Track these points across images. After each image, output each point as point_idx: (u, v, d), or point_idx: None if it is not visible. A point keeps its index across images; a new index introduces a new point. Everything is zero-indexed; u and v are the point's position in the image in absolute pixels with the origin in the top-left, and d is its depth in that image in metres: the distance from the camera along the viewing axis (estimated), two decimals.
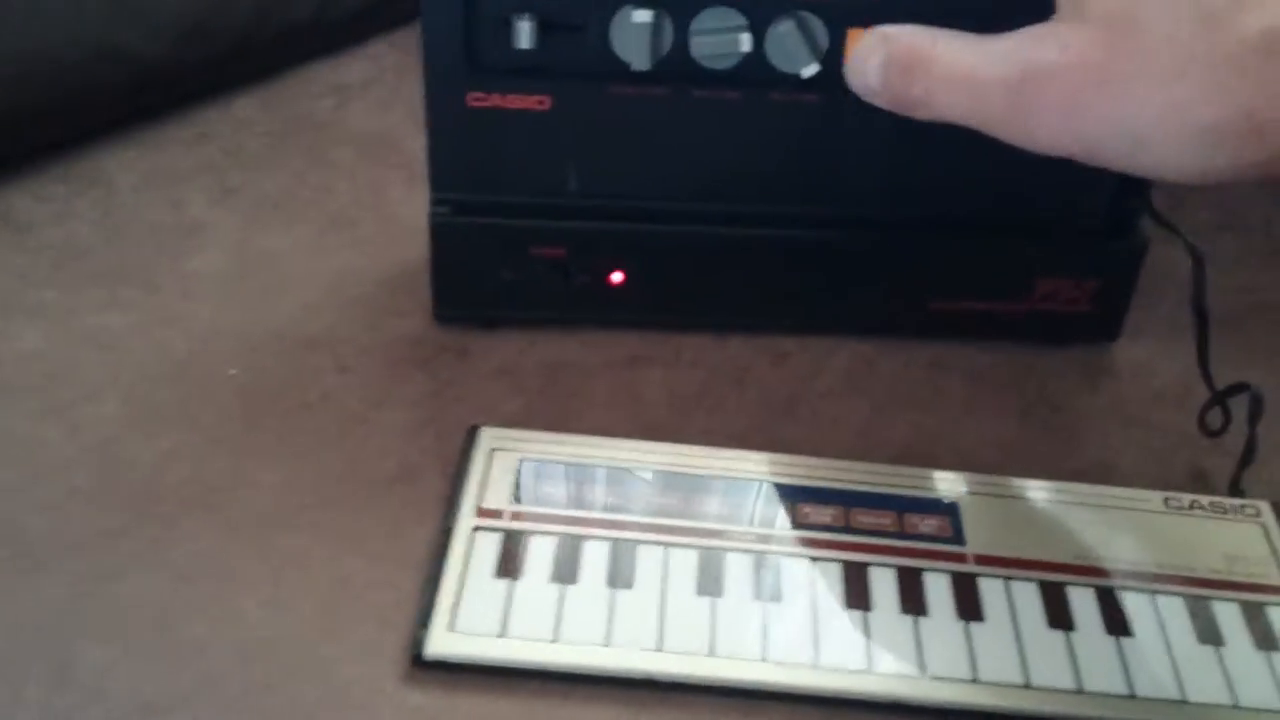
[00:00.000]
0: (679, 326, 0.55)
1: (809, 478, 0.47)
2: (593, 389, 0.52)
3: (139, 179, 0.63)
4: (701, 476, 0.47)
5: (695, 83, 0.49)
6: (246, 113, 0.67)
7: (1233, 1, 0.33)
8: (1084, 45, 0.35)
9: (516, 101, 0.49)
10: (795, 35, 0.48)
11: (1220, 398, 0.50)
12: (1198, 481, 0.50)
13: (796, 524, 0.45)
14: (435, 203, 0.52)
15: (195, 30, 0.64)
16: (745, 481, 0.47)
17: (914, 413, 0.53)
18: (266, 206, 0.61)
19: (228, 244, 0.59)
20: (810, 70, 0.49)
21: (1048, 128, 0.37)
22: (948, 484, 0.47)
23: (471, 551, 0.43)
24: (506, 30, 0.48)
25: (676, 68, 0.49)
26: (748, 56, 0.48)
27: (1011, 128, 0.38)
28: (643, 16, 0.47)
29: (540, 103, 0.50)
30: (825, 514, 0.46)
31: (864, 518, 0.46)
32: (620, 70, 0.49)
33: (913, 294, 0.55)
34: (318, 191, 0.62)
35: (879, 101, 0.42)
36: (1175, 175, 0.35)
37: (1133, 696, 0.40)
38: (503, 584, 0.42)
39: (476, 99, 0.49)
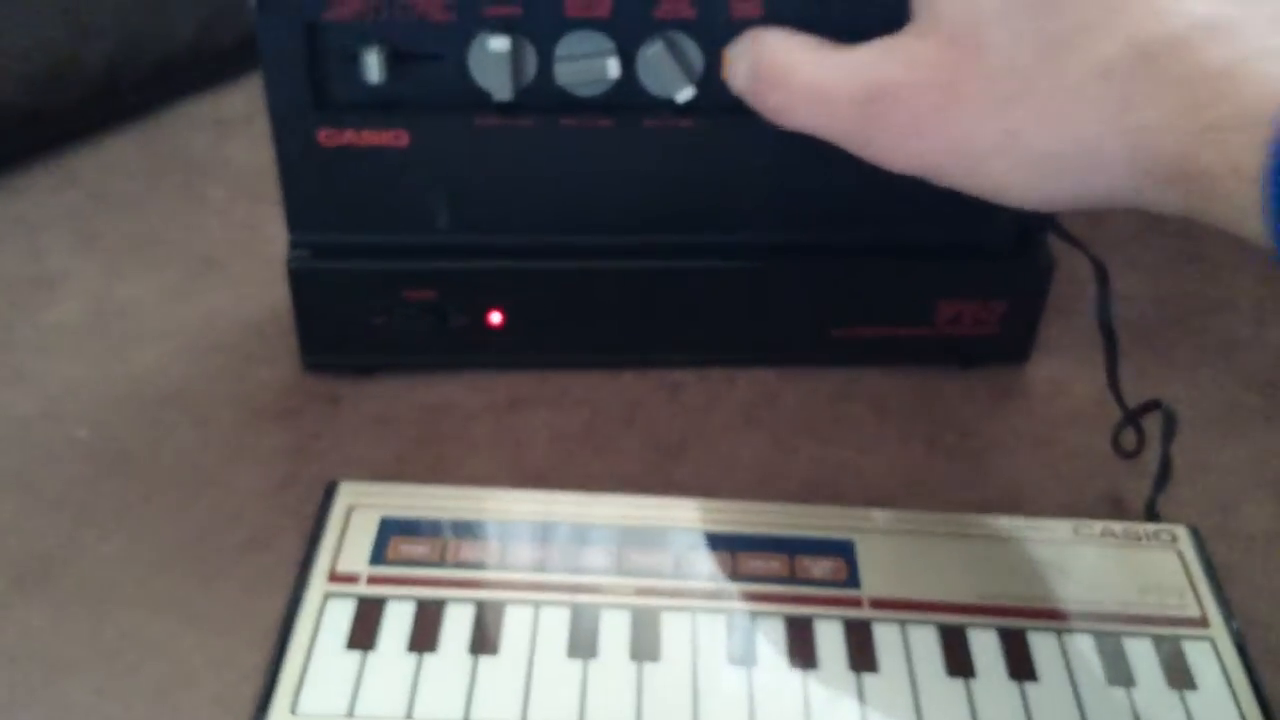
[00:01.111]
0: (565, 365, 0.52)
1: (696, 522, 0.44)
2: (472, 435, 0.49)
3: None
4: (578, 526, 0.43)
5: (564, 111, 0.46)
6: (117, 153, 0.64)
7: (1076, 28, 0.31)
8: (929, 65, 0.33)
9: (372, 138, 0.46)
10: (666, 58, 0.45)
11: (1133, 417, 0.48)
12: (1113, 506, 0.48)
13: (679, 574, 0.42)
14: (294, 246, 0.48)
15: (55, 72, 0.60)
16: (626, 529, 0.43)
17: (816, 445, 0.50)
18: (132, 251, 0.57)
19: (87, 293, 0.55)
20: (685, 94, 0.46)
21: (893, 147, 0.35)
22: (844, 521, 0.44)
23: (321, 622, 0.39)
24: (355, 64, 0.45)
25: (542, 97, 0.46)
26: (618, 82, 0.46)
27: (860, 144, 0.36)
28: (500, 44, 0.44)
29: (397, 138, 0.46)
30: (711, 562, 0.42)
31: (753, 563, 0.42)
32: (482, 101, 0.46)
33: (812, 321, 0.52)
34: (188, 232, 0.59)
35: (749, 104, 0.40)
36: (1018, 201, 0.33)
37: None
38: (355, 656, 0.38)
39: (328, 136, 0.46)
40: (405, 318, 0.49)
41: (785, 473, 0.48)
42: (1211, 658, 0.40)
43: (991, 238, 0.51)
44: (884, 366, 0.53)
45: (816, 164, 0.48)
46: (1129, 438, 0.48)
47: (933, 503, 0.46)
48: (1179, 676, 0.40)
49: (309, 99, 0.45)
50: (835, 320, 0.51)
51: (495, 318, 0.50)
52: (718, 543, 0.43)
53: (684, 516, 0.44)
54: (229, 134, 0.66)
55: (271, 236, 0.58)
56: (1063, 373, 0.54)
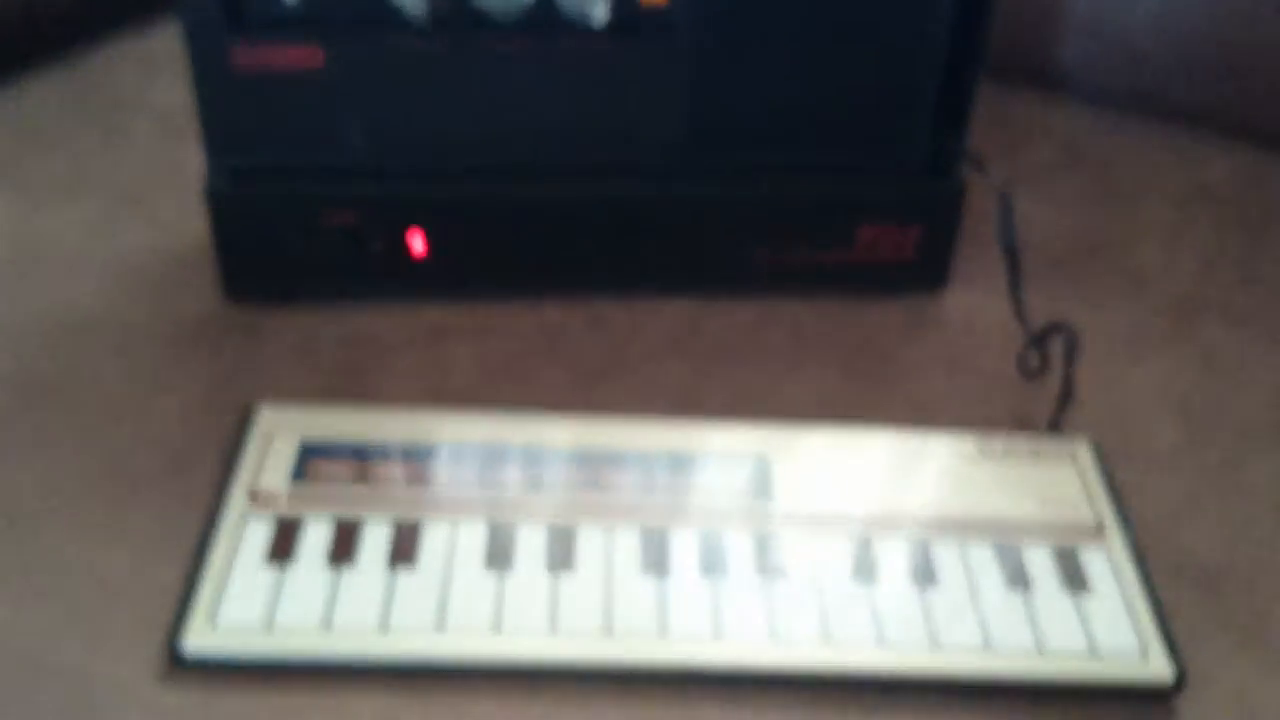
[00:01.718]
0: (489, 295, 0.53)
1: (610, 442, 0.45)
2: (395, 365, 0.50)
3: None
4: (495, 446, 0.44)
5: (480, 33, 0.47)
6: (40, 89, 0.63)
7: None
8: None
9: (287, 57, 0.46)
10: None
11: (1037, 339, 0.49)
12: (1020, 425, 0.49)
13: (596, 489, 0.43)
14: (212, 170, 0.48)
15: None
16: (543, 448, 0.44)
17: (737, 370, 0.51)
18: (54, 188, 0.57)
19: (7, 229, 0.54)
20: (601, 15, 0.46)
21: None
22: (756, 438, 0.45)
23: (240, 540, 0.40)
24: None
25: (460, 18, 0.46)
26: (534, 4, 0.46)
27: None
28: None
29: (313, 58, 0.46)
30: (629, 478, 0.43)
31: (669, 480, 0.43)
32: (397, 21, 0.46)
33: (735, 246, 0.53)
34: (110, 168, 0.58)
35: None
36: None
37: (935, 646, 0.39)
38: (273, 572, 0.39)
39: (243, 55, 0.46)
40: (324, 243, 0.50)
41: (705, 398, 0.49)
42: (1106, 564, 0.42)
43: (906, 158, 0.52)
44: (806, 296, 0.54)
45: (733, 86, 0.49)
46: (1033, 359, 0.49)
47: (846, 423, 0.47)
48: (1074, 581, 0.41)
49: (223, 16, 0.45)
50: (758, 245, 0.52)
51: (416, 244, 0.50)
52: (633, 459, 0.44)
53: (602, 436, 0.45)
54: (153, 71, 0.66)
55: (194, 172, 0.57)
56: (976, 301, 0.55)
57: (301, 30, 0.46)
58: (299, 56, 0.46)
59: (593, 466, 0.44)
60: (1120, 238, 0.60)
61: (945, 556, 0.41)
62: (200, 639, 0.37)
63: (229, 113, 0.47)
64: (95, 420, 0.46)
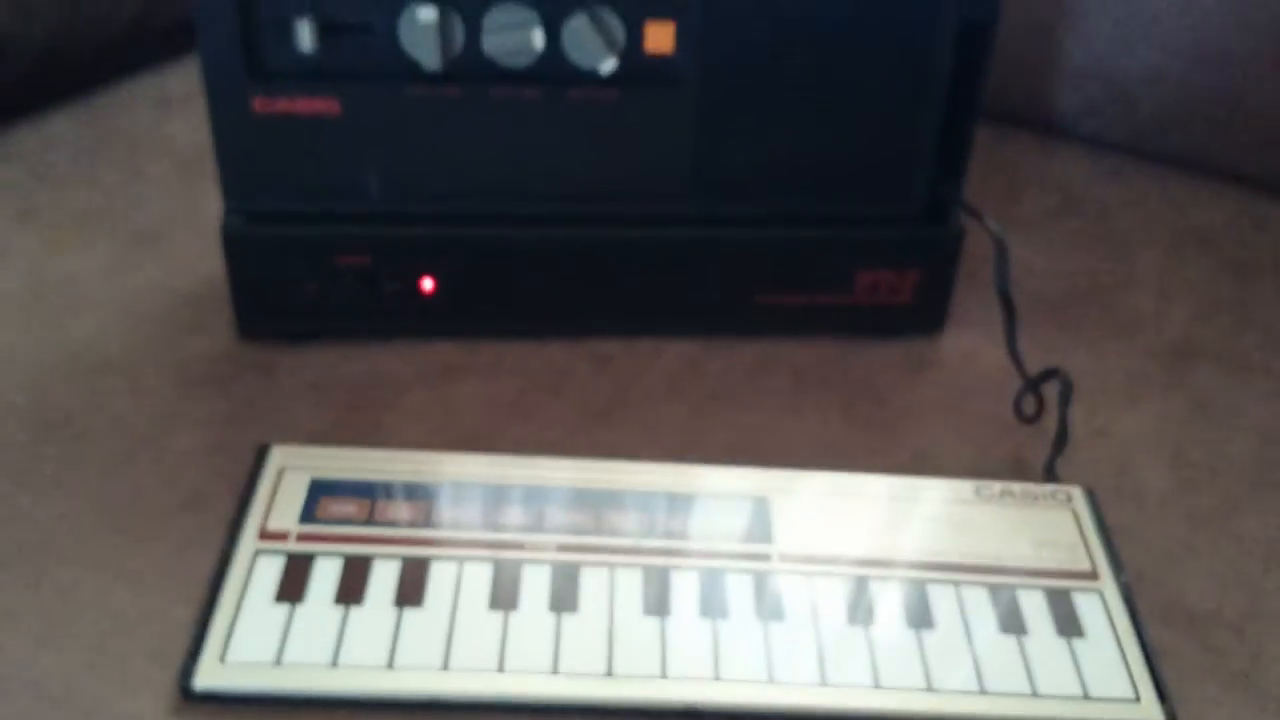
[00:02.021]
0: (497, 334, 0.54)
1: (613, 484, 0.46)
2: (405, 403, 0.51)
3: None
4: (502, 486, 0.45)
5: (491, 82, 0.48)
6: (58, 129, 0.65)
7: None
8: None
9: (305, 106, 0.48)
10: (589, 30, 0.47)
11: (1033, 384, 0.50)
12: (1016, 469, 0.50)
13: (599, 531, 0.44)
14: (228, 212, 0.50)
15: None
16: (547, 489, 0.45)
17: (736, 412, 0.52)
18: (71, 225, 0.58)
19: (26, 266, 0.56)
20: (608, 66, 0.48)
21: None
22: (756, 482, 0.46)
23: (251, 576, 0.41)
24: (287, 32, 0.46)
25: (470, 67, 0.47)
26: (543, 54, 0.47)
27: None
28: (428, 15, 0.46)
29: (329, 106, 0.48)
30: (631, 520, 0.44)
31: (669, 522, 0.44)
32: (411, 71, 0.47)
33: (736, 290, 0.54)
34: (127, 207, 0.60)
35: None
36: None
37: (930, 689, 0.39)
38: (283, 609, 0.40)
39: (262, 104, 0.47)
40: (338, 284, 0.51)
41: (706, 439, 0.50)
42: (1099, 609, 0.43)
43: (905, 206, 0.53)
44: (805, 337, 0.55)
45: (736, 133, 0.50)
46: (1029, 404, 0.50)
47: (846, 466, 0.48)
48: (1068, 625, 0.42)
49: (243, 67, 0.46)
50: (759, 288, 0.54)
51: (427, 284, 0.52)
52: (636, 501, 0.45)
53: (606, 478, 0.46)
54: (170, 112, 0.67)
55: (210, 213, 0.59)
56: (973, 345, 0.56)
57: (319, 79, 0.47)
58: (316, 105, 0.47)
59: (595, 508, 0.45)
60: (1115, 283, 0.61)
61: (941, 599, 0.42)
62: (211, 675, 0.38)
63: (246, 158, 0.48)
64: (110, 457, 0.47)
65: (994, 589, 0.43)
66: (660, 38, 0.48)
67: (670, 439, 0.50)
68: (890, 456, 0.50)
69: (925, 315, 0.55)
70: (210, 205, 0.60)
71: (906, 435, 0.51)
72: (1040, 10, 0.67)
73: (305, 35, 0.46)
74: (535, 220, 0.51)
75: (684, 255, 0.53)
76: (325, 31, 0.46)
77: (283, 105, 0.48)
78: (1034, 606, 0.43)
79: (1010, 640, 0.41)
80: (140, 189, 0.61)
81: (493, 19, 0.47)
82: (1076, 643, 0.41)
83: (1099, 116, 0.69)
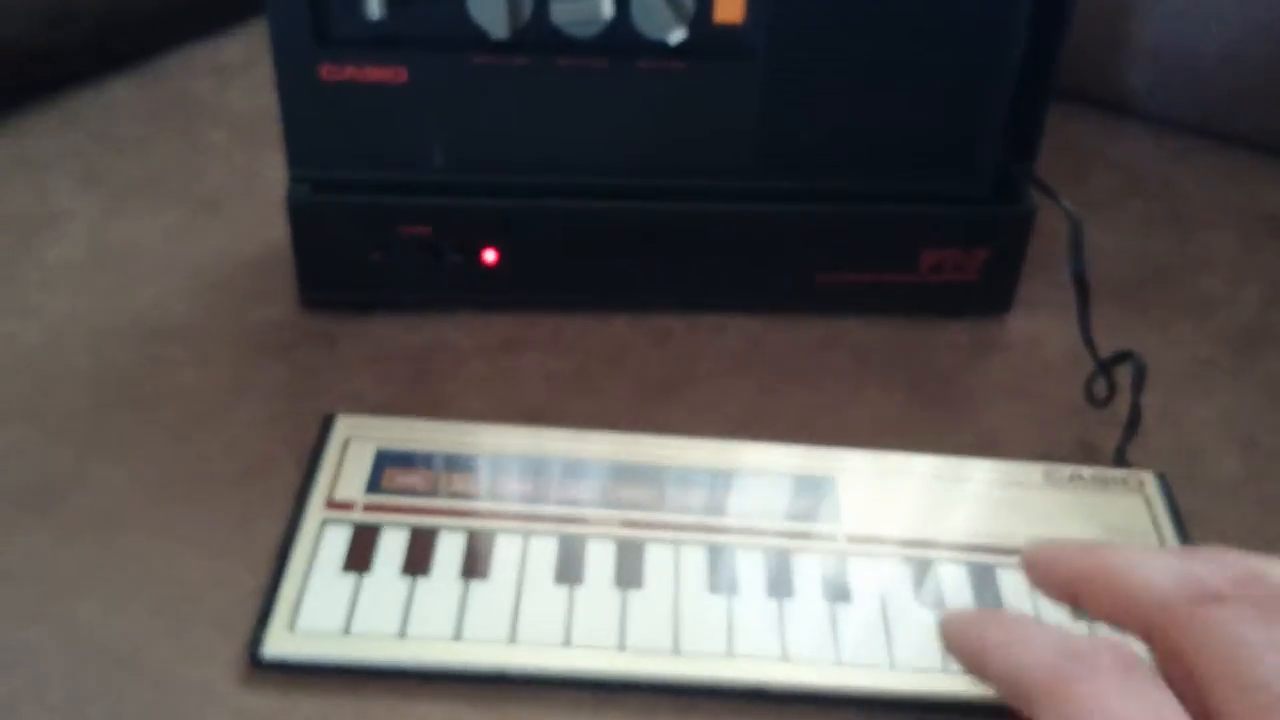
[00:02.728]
0: (558, 307, 0.54)
1: (681, 459, 0.45)
2: (466, 374, 0.50)
3: (2, 167, 0.60)
4: (567, 461, 0.45)
5: (558, 51, 0.47)
6: (120, 95, 0.65)
7: None
8: None
9: (371, 74, 0.47)
10: (659, 0, 0.46)
11: (1104, 367, 0.49)
12: (1086, 453, 0.49)
13: (664, 507, 0.43)
14: (294, 181, 0.50)
15: (54, 13, 0.61)
16: (612, 465, 0.45)
17: (800, 391, 0.51)
18: (133, 192, 0.58)
19: (89, 232, 0.56)
20: (677, 36, 0.47)
21: None
22: (825, 461, 0.46)
23: (319, 546, 0.41)
24: (356, 0, 0.46)
25: (537, 36, 0.47)
26: (611, 23, 0.47)
27: None
28: None
29: (396, 75, 0.47)
30: (695, 497, 0.44)
31: (734, 500, 0.44)
32: (478, 40, 0.47)
33: (800, 266, 0.53)
34: (189, 175, 0.60)
35: None
36: None
37: None
38: (350, 579, 0.40)
39: (329, 72, 0.47)
40: (401, 254, 0.51)
41: (769, 416, 0.50)
42: None
43: (973, 185, 0.52)
44: (869, 315, 0.55)
45: (803, 107, 0.49)
46: (1101, 387, 0.49)
47: (911, 447, 0.48)
48: None
49: (311, 34, 0.46)
50: (822, 265, 0.53)
51: (489, 256, 0.51)
52: (700, 478, 0.45)
53: (669, 454, 0.45)
54: (229, 79, 0.67)
55: (271, 180, 0.59)
56: (1041, 326, 0.55)
57: (386, 47, 0.47)
58: (383, 73, 0.47)
59: (659, 484, 0.44)
60: (1184, 265, 0.60)
61: (1009, 584, 0.42)
62: (280, 643, 0.38)
63: (312, 126, 0.48)
64: (176, 425, 0.47)
65: None
66: (730, 7, 0.47)
67: (733, 417, 0.50)
68: (956, 437, 0.49)
69: (992, 295, 0.54)
70: (270, 173, 0.60)
71: (972, 416, 0.50)
72: None
73: (374, 2, 0.45)
74: (599, 193, 0.50)
75: (748, 230, 0.52)
76: None
77: (350, 73, 0.47)
78: None
79: (1082, 626, 0.41)
80: (201, 156, 0.61)
81: None
82: None
83: (1168, 95, 0.68)
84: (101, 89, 0.65)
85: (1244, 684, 0.26)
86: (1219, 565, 0.28)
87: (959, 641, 0.31)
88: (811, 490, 0.45)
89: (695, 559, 0.42)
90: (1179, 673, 0.27)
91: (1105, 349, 0.50)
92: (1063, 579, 0.31)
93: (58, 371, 0.49)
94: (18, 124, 0.63)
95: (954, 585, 0.42)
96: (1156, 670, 0.27)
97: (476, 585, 0.40)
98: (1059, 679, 0.27)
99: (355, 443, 0.45)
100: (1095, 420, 0.50)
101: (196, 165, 0.61)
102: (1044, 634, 0.29)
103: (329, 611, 0.39)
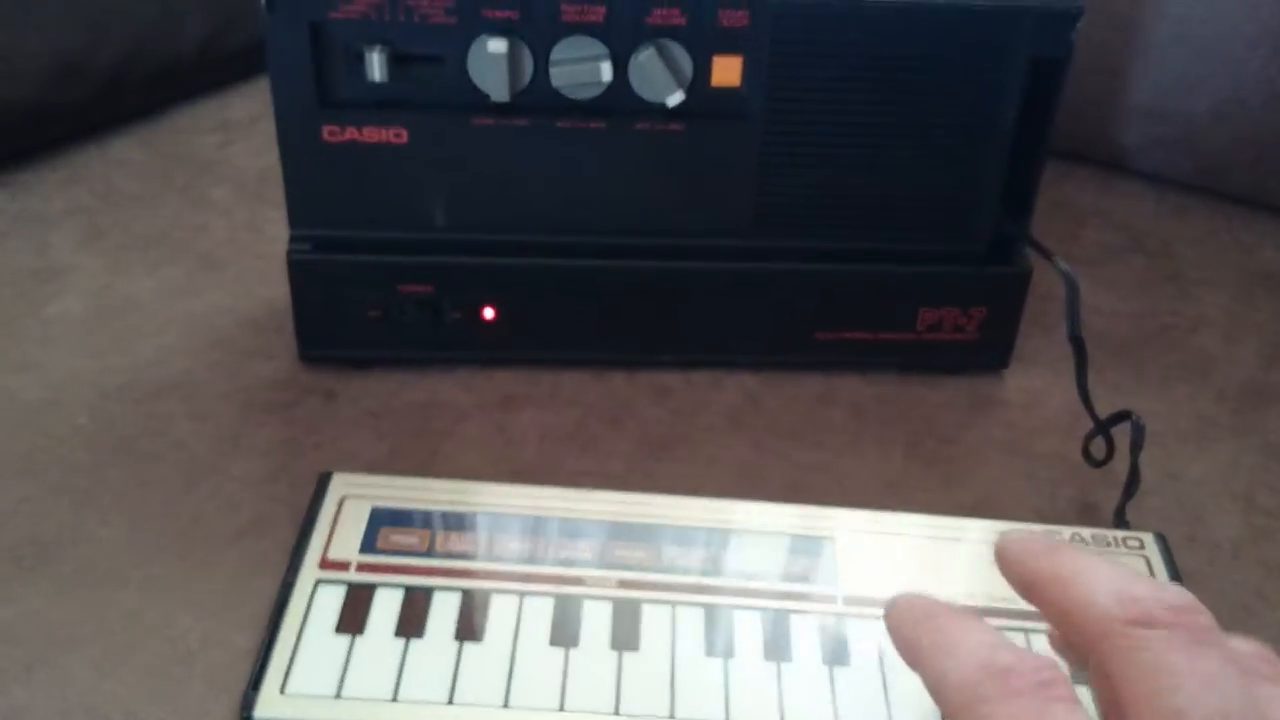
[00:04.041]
0: (557, 363, 0.54)
1: (678, 519, 0.45)
2: (464, 431, 0.50)
3: (6, 223, 0.60)
4: (563, 520, 0.45)
5: (558, 113, 0.48)
6: (123, 152, 0.65)
7: None
8: None
9: (373, 135, 0.48)
10: (657, 63, 0.47)
11: (1103, 427, 0.49)
12: (1084, 513, 0.49)
13: (661, 568, 0.43)
14: (294, 240, 0.50)
15: (63, 71, 0.62)
16: (607, 524, 0.45)
17: (797, 448, 0.51)
18: (135, 248, 0.59)
19: (91, 288, 0.56)
20: (675, 99, 0.48)
21: None
22: (822, 521, 0.46)
23: (311, 606, 0.41)
24: (359, 63, 0.46)
25: (538, 98, 0.47)
26: (610, 86, 0.47)
27: None
28: (499, 46, 0.46)
29: (398, 136, 0.48)
30: (693, 557, 0.44)
31: (733, 560, 0.44)
32: (479, 102, 0.47)
33: (798, 324, 0.53)
34: (191, 232, 0.60)
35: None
36: None
37: None
38: (344, 640, 0.40)
39: (331, 133, 0.48)
40: (401, 311, 0.51)
41: (767, 474, 0.50)
42: None
43: (970, 245, 0.52)
44: (866, 372, 0.55)
45: (802, 171, 0.50)
46: (1099, 447, 0.49)
47: (909, 506, 0.48)
48: None
49: (314, 96, 0.47)
50: (820, 323, 0.53)
51: (488, 313, 0.52)
52: (698, 539, 0.44)
53: (666, 513, 0.45)
54: (233, 137, 0.68)
55: (272, 237, 0.60)
56: (1038, 383, 0.55)
57: (388, 109, 0.47)
58: (384, 134, 0.48)
59: (656, 543, 0.44)
60: (1181, 323, 0.60)
61: None
62: (272, 706, 0.38)
63: (314, 186, 0.48)
64: (173, 482, 0.47)
65: None
66: (727, 71, 0.48)
67: (731, 474, 0.50)
68: (955, 497, 0.49)
69: (989, 352, 0.54)
70: (272, 230, 0.61)
71: (971, 475, 0.50)
72: (1105, 46, 0.66)
73: (376, 65, 0.46)
74: (598, 251, 0.51)
75: (745, 288, 0.52)
76: (396, 62, 0.46)
77: (351, 134, 0.48)
78: None
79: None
80: (202, 213, 0.62)
81: (561, 51, 0.47)
82: None
83: (1163, 153, 0.68)
84: (105, 145, 0.66)
85: (1161, 708, 0.27)
86: (1161, 592, 0.29)
87: (899, 635, 0.32)
88: (809, 551, 0.44)
89: (692, 621, 0.41)
90: (1108, 693, 0.28)
91: (1102, 407, 0.50)
92: (1021, 578, 0.32)
93: (57, 427, 0.49)
94: (21, 179, 0.63)
95: None
96: (1073, 690, 0.28)
97: (470, 648, 0.40)
98: (974, 698, 0.28)
99: (351, 501, 0.45)
100: (1093, 479, 0.50)
101: (198, 222, 0.61)
102: (973, 642, 0.29)
103: (322, 674, 0.39)
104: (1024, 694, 0.27)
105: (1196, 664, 0.27)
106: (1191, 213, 0.69)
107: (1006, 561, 0.33)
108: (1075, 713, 0.27)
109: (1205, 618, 0.28)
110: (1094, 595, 0.29)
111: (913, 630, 0.31)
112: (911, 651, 0.31)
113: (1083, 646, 0.29)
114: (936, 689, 0.29)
